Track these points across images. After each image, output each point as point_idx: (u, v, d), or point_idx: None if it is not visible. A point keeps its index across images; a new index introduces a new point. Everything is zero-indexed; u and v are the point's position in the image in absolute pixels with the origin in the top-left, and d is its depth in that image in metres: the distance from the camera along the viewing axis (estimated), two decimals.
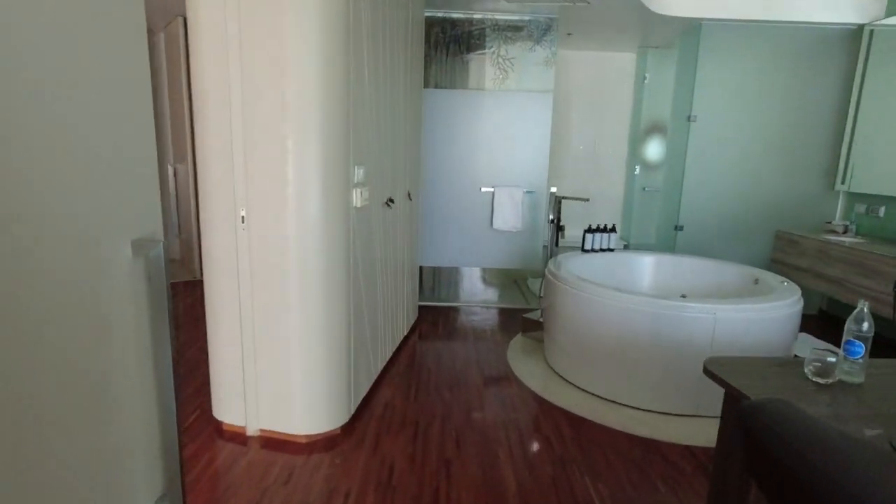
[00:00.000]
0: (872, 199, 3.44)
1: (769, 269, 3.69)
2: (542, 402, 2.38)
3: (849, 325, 1.27)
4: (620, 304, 2.28)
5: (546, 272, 2.86)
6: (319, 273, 1.89)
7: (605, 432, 2.14)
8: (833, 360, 1.26)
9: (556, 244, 3.20)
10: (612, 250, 3.23)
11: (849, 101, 3.56)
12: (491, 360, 2.85)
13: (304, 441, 2.01)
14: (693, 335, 2.17)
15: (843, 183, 3.56)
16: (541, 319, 3.15)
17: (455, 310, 3.73)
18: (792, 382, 1.26)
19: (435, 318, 3.53)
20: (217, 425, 2.09)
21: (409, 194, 2.95)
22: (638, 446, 2.05)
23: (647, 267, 3.23)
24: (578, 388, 2.51)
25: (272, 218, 1.83)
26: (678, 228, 3.77)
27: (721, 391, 1.30)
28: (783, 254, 3.57)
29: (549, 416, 2.26)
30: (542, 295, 3.45)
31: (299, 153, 1.79)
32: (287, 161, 1.78)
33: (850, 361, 1.26)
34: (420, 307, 3.72)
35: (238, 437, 2.03)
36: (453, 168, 3.63)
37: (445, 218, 3.69)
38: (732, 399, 1.28)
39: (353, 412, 2.19)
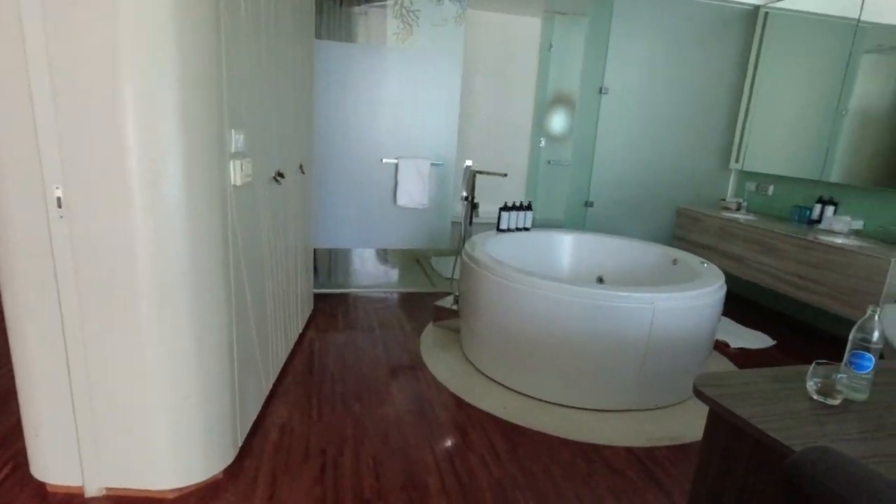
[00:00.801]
0: (763, 178, 3.58)
1: (671, 246, 3.74)
2: (468, 410, 2.08)
3: (854, 334, 1.09)
4: (553, 293, 2.03)
5: (462, 255, 2.54)
6: (183, 279, 1.36)
7: (542, 441, 1.91)
8: (842, 376, 1.08)
9: (470, 223, 2.89)
10: (528, 229, 3.01)
11: (745, 81, 3.64)
12: (403, 358, 2.49)
13: (171, 497, 1.51)
14: (631, 326, 1.99)
15: (737, 161, 3.67)
16: (454, 307, 2.85)
17: (355, 297, 3.30)
18: (798, 406, 1.06)
19: (333, 308, 3.08)
20: (38, 486, 1.51)
21: (301, 167, 2.43)
22: (579, 455, 1.84)
23: (565, 246, 3.06)
24: (505, 387, 2.26)
25: (106, 202, 1.27)
26: (588, 204, 3.67)
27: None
28: (685, 231, 3.62)
29: (479, 427, 1.97)
30: (454, 277, 3.13)
31: (145, 106, 1.23)
32: (126, 118, 1.22)
33: (857, 377, 1.09)
34: (315, 296, 3.24)
35: (73, 501, 1.47)
36: (351, 136, 3.14)
37: (343, 194, 3.21)
38: (732, 429, 1.06)
39: (240, 445, 1.71)
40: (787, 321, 3.31)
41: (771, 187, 3.49)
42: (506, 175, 2.74)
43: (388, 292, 3.42)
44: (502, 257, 2.79)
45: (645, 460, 1.83)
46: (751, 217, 3.42)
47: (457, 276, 3.56)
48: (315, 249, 3.42)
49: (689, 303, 2.03)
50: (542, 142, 4.40)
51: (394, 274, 3.82)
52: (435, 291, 3.49)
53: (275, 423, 1.91)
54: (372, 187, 3.23)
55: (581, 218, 3.70)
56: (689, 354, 2.11)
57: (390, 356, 2.51)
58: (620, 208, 3.72)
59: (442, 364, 2.44)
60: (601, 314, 1.98)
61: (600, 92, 3.51)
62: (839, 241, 2.83)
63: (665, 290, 2.03)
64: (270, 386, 2.08)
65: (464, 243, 2.83)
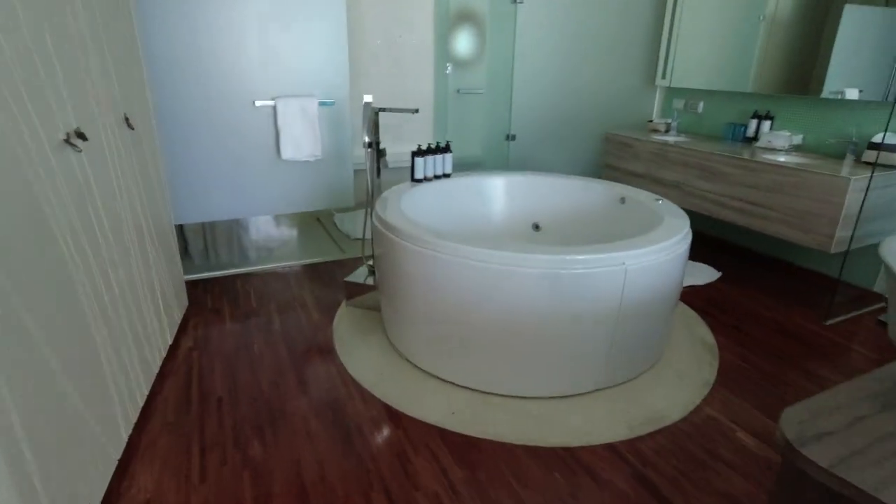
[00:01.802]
0: (691, 95, 3.28)
1: (601, 175, 3.40)
2: (405, 423, 1.62)
3: None
4: (498, 264, 1.56)
5: (373, 219, 1.98)
6: None
7: (505, 455, 1.50)
8: None
9: (378, 174, 2.31)
10: (448, 175, 2.48)
11: None
12: (314, 357, 1.95)
13: None
14: (600, 294, 1.59)
15: (663, 77, 3.34)
16: (368, 282, 2.31)
17: (244, 278, 2.65)
18: None
19: (216, 299, 2.42)
20: None
21: (126, 120, 1.69)
22: (554, 466, 1.45)
23: (496, 193, 2.58)
24: (446, 381, 1.81)
25: None
26: (510, 138, 3.19)
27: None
28: (616, 158, 3.28)
29: (423, 447, 1.51)
30: (364, 237, 2.57)
31: None
32: None
33: None
34: (190, 285, 2.54)
35: None
36: (209, 74, 2.36)
37: (207, 151, 2.46)
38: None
39: None
40: (730, 249, 3.15)
41: (701, 104, 3.21)
42: (416, 111, 2.16)
43: (287, 267, 2.80)
44: (423, 217, 2.27)
45: (632, 459, 1.49)
46: (682, 138, 3.14)
47: (368, 236, 2.99)
48: (180, 227, 2.67)
49: (662, 256, 1.66)
50: (449, 68, 3.80)
51: (291, 242, 3.16)
52: (344, 259, 2.91)
53: (135, 502, 1.33)
54: (246, 139, 2.51)
55: (503, 154, 3.23)
56: (660, 315, 1.77)
57: (297, 357, 1.96)
58: (546, 140, 3.29)
59: (364, 359, 1.94)
60: (562, 284, 1.55)
61: (513, 1, 2.94)
62: (782, 158, 2.61)
63: (636, 244, 1.63)
64: (124, 444, 1.47)
65: (373, 200, 2.26)
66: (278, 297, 2.44)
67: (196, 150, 2.43)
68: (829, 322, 2.29)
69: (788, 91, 2.64)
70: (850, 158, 2.42)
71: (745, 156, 2.53)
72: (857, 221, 2.18)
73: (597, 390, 1.77)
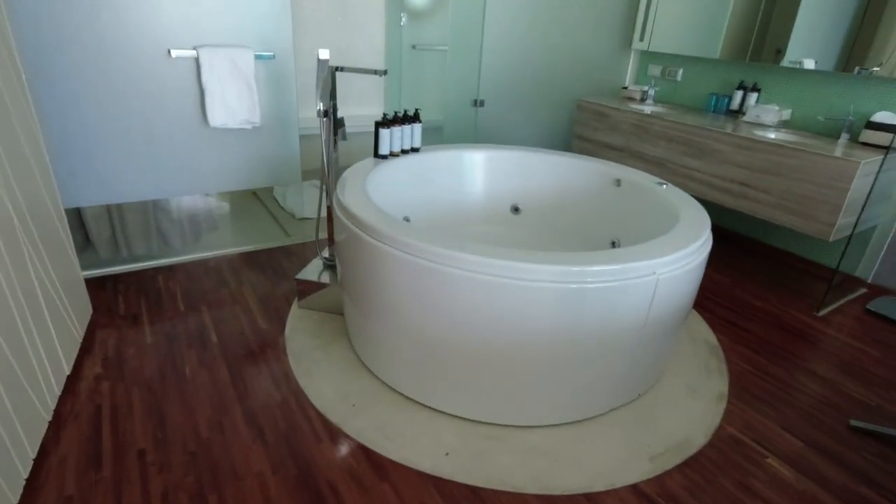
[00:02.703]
0: (670, 60, 3.04)
1: (572, 147, 3.13)
2: (390, 471, 1.30)
3: None
4: (508, 278, 1.24)
5: (335, 208, 1.59)
6: None
7: None
8: None
9: (335, 148, 1.89)
10: (417, 149, 2.10)
11: None
12: (264, 382, 1.57)
13: None
14: (625, 310, 1.31)
15: (641, 39, 3.06)
16: (324, 279, 1.93)
17: (166, 272, 2.17)
18: None
19: (132, 301, 1.95)
20: None
21: None
22: None
23: (473, 170, 2.23)
24: (431, 408, 1.50)
25: None
26: (478, 104, 2.82)
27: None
28: (589, 129, 3.01)
29: None
30: (319, 217, 2.18)
31: None
32: None
33: None
34: (94, 285, 2.04)
35: None
36: (108, 17, 1.80)
37: (108, 116, 1.92)
38: None
39: None
40: (718, 233, 3.00)
41: (680, 71, 2.98)
42: (385, 73, 1.75)
43: (221, 256, 2.33)
44: (392, 201, 1.90)
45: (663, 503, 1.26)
46: (659, 108, 2.91)
47: (312, 213, 2.55)
48: (77, 211, 2.12)
49: (692, 261, 1.41)
50: (403, 18, 3.33)
51: (224, 225, 2.68)
52: (290, 245, 2.48)
53: None
54: (162, 101, 1.98)
55: (470, 122, 2.86)
56: (678, 325, 1.54)
57: (242, 382, 1.57)
58: (515, 107, 2.95)
59: (327, 381, 1.58)
60: (585, 299, 1.26)
61: None
62: (772, 135, 2.44)
63: (664, 248, 1.36)
64: None
65: (330, 180, 1.86)
66: (212, 297, 2.00)
67: (92, 115, 1.88)
68: (822, 313, 2.18)
69: (777, 61, 2.45)
70: (844, 138, 2.28)
71: (732, 130, 2.33)
72: (863, 208, 2.05)
73: (608, 412, 1.53)
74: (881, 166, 1.98)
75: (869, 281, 2.41)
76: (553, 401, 1.42)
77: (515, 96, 2.91)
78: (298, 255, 2.38)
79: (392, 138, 1.99)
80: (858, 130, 2.27)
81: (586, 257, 1.27)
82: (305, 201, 2.91)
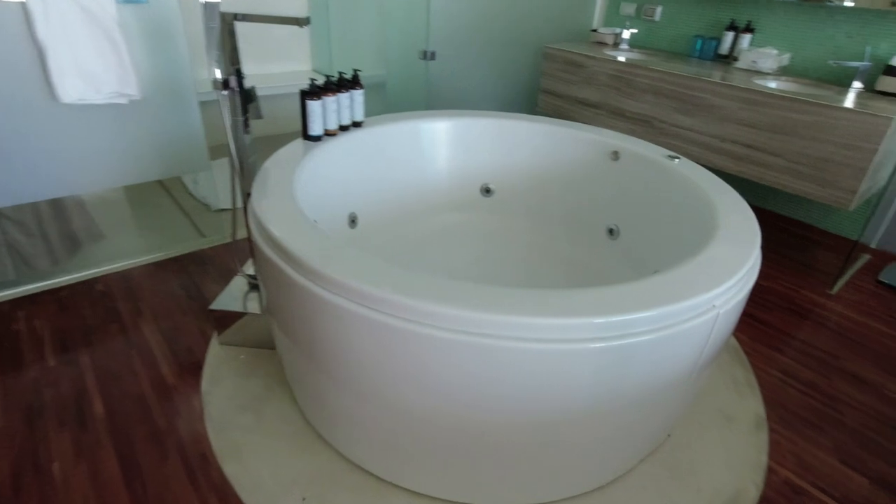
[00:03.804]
0: None
1: (539, 104, 2.70)
2: None
3: None
4: (505, 337, 0.83)
5: (251, 225, 1.11)
6: None
7: None
8: None
9: (247, 128, 1.37)
10: (359, 124, 1.61)
11: None
12: (170, 474, 1.12)
13: None
14: (674, 360, 0.94)
15: None
16: (248, 308, 1.46)
17: (27, 306, 1.62)
18: None
19: None
20: None
21: None
22: None
23: (436, 145, 1.77)
24: (414, 492, 1.11)
25: None
26: (428, 56, 2.31)
27: None
28: (559, 82, 2.57)
29: None
30: (235, 209, 1.68)
31: None
32: None
33: None
34: None
35: None
36: None
37: None
38: None
39: None
40: None
41: (659, 9, 2.57)
42: (308, 21, 1.23)
43: (108, 275, 1.79)
44: (335, 200, 1.43)
45: None
46: (636, 54, 2.51)
47: (228, 202, 2.00)
48: None
49: (750, 278, 1.05)
50: None
51: (115, 229, 2.10)
52: (206, 249, 1.96)
53: None
54: None
55: (420, 78, 2.36)
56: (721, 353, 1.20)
57: (138, 480, 1.11)
58: (476, 58, 2.46)
59: (264, 463, 1.15)
60: (626, 358, 0.88)
61: None
62: (773, 84, 2.10)
63: (726, 272, 0.98)
64: None
65: (243, 178, 1.36)
66: (97, 339, 1.49)
67: None
68: (835, 290, 1.93)
69: None
70: (857, 87, 1.97)
71: (723, 79, 1.97)
72: (894, 173, 1.76)
73: (635, 465, 1.20)
74: None
75: (873, 246, 2.19)
76: (569, 472, 1.06)
77: (472, 46, 2.42)
78: (217, 263, 1.87)
79: (326, 112, 1.48)
80: (874, 77, 1.97)
81: (625, 297, 0.88)
82: (222, 187, 2.35)
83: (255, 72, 2.87)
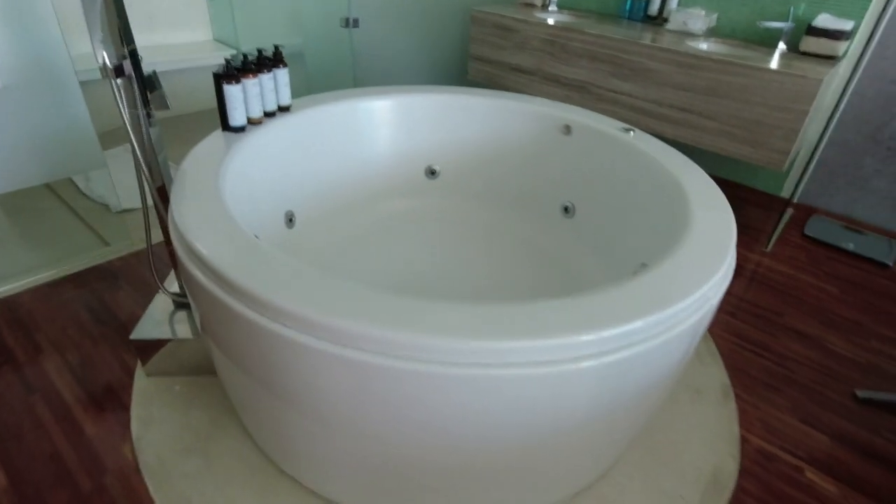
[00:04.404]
0: None
1: (468, 72, 2.56)
2: None
3: None
4: (504, 364, 0.74)
5: (175, 244, 0.92)
6: None
7: None
8: None
9: (150, 119, 1.13)
10: (287, 108, 1.40)
11: None
12: None
13: None
14: (671, 359, 0.90)
15: None
16: (176, 333, 1.26)
17: None
18: None
19: None
20: None
21: None
22: None
23: (375, 126, 1.59)
24: None
25: None
26: (351, 24, 2.09)
27: None
28: (490, 47, 2.44)
29: None
30: (146, 214, 1.45)
31: None
32: None
33: None
34: None
35: None
36: None
37: None
38: None
39: None
40: None
41: None
42: None
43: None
44: (268, 200, 1.25)
45: None
46: (565, 17, 2.44)
47: (135, 200, 1.70)
48: None
49: (732, 260, 1.02)
50: None
51: None
52: (113, 260, 1.68)
53: None
54: None
55: (343, 46, 2.13)
56: None
57: None
58: (401, 25, 2.27)
59: None
60: (625, 367, 0.81)
61: None
62: (704, 46, 2.11)
63: (716, 261, 0.94)
64: None
65: (151, 180, 1.15)
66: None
67: None
68: (769, 248, 2.02)
69: None
70: (782, 47, 2.02)
71: (653, 41, 1.95)
72: (823, 131, 1.82)
73: (618, 458, 1.17)
74: (849, 82, 1.74)
75: (795, 201, 2.31)
76: (559, 479, 1.01)
77: (398, 10, 2.22)
78: (129, 275, 1.62)
79: (248, 98, 1.27)
80: (797, 38, 2.02)
81: (622, 302, 0.81)
82: (120, 182, 2.04)
83: (141, 44, 2.49)
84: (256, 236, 0.94)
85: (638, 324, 0.78)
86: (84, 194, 2.01)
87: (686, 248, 0.96)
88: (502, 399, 0.75)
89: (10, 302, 1.48)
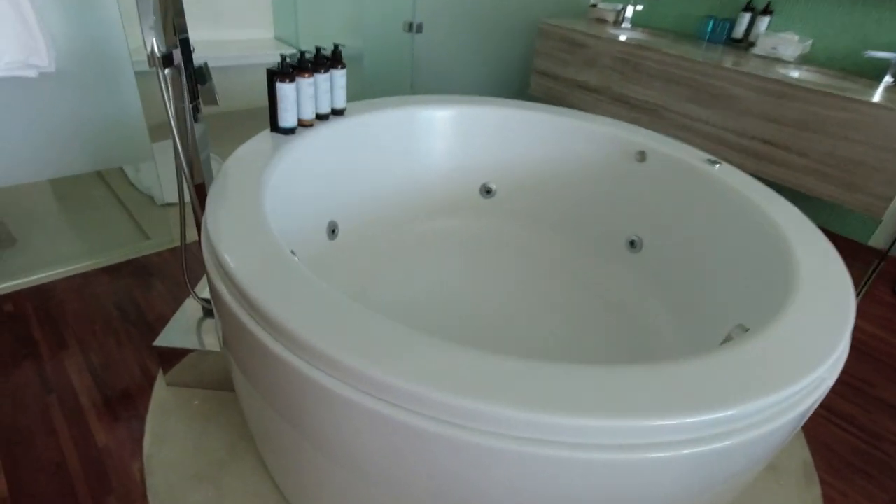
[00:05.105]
0: None
1: (530, 86, 2.44)
2: None
3: None
4: (588, 444, 0.60)
5: (206, 261, 0.83)
6: None
7: None
8: None
9: (197, 116, 1.06)
10: (341, 112, 1.31)
11: None
12: None
13: None
14: (777, 438, 0.74)
15: None
16: (203, 343, 1.18)
17: None
18: None
19: None
20: None
21: None
22: None
23: (432, 137, 1.49)
24: None
25: None
26: (414, 28, 2.01)
27: None
28: (556, 62, 2.31)
29: None
30: (183, 211, 1.39)
31: None
32: None
33: None
34: None
35: None
36: None
37: None
38: None
39: None
40: None
41: None
42: None
43: (18, 292, 1.45)
44: (312, 207, 1.16)
45: None
46: (640, 35, 2.28)
47: (170, 198, 1.64)
48: None
49: (850, 329, 0.85)
50: None
51: (30, 232, 1.74)
52: (150, 255, 1.63)
53: None
54: None
55: (404, 52, 2.05)
56: None
57: None
58: (465, 32, 2.17)
59: None
60: (723, 457, 0.66)
61: None
62: (795, 74, 1.91)
63: (834, 336, 0.78)
64: None
65: (191, 182, 1.07)
66: (0, 379, 1.17)
67: None
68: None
69: None
70: (888, 81, 1.80)
71: (735, 65, 1.77)
72: None
73: None
74: None
75: (889, 251, 2.07)
76: None
77: (462, 18, 2.12)
78: (165, 273, 1.56)
79: (300, 98, 1.18)
80: None
81: (725, 377, 0.66)
82: (165, 175, 2.00)
83: (201, 38, 2.48)
84: (293, 252, 0.84)
85: (741, 408, 0.63)
86: (133, 185, 1.98)
87: (795, 312, 0.79)
88: (577, 483, 0.61)
89: (45, 290, 1.44)
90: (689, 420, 0.60)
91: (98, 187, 1.96)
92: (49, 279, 1.49)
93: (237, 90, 2.49)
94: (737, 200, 1.17)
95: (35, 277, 1.47)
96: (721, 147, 1.91)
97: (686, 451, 0.61)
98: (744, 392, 0.64)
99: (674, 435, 0.61)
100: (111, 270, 1.55)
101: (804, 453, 1.22)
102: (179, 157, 1.01)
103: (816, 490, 1.14)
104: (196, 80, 1.01)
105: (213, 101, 1.06)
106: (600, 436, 0.59)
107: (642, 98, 2.07)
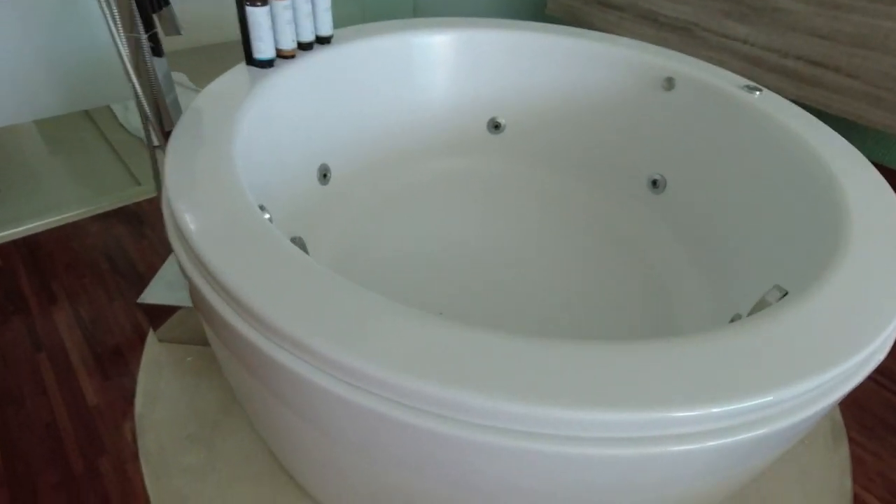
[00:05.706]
0: None
1: (546, 5, 2.20)
2: None
3: None
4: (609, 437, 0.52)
5: (168, 228, 0.73)
6: None
7: None
8: None
9: (156, 50, 0.93)
10: (328, 40, 1.16)
11: None
12: None
13: None
14: (810, 422, 0.65)
15: None
16: (181, 304, 1.11)
17: None
18: None
19: None
20: None
21: None
22: None
23: (432, 66, 1.33)
24: None
25: None
26: None
27: None
28: None
29: None
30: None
31: None
32: None
33: None
34: None
35: None
36: None
37: None
38: None
39: None
40: None
41: None
42: None
43: (10, 238, 1.40)
44: (298, 151, 1.05)
45: None
46: None
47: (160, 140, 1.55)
48: None
49: None
50: None
51: (19, 179, 1.66)
52: (139, 204, 1.55)
53: None
54: None
55: None
56: None
57: None
58: None
59: None
60: (753, 446, 0.57)
61: None
62: None
63: (893, 296, 0.66)
64: None
65: (157, 126, 0.96)
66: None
67: None
68: None
69: None
70: None
71: None
72: None
73: None
74: None
75: None
76: None
77: None
78: (155, 220, 1.49)
79: (277, 24, 1.03)
80: None
81: (740, 354, 0.56)
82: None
83: None
84: (262, 207, 0.74)
85: (778, 393, 0.53)
86: (121, 125, 1.88)
87: (845, 270, 0.68)
88: (589, 479, 0.54)
89: (33, 242, 1.39)
90: (716, 410, 0.51)
91: (86, 129, 1.86)
92: (38, 229, 1.43)
93: (204, 19, 2.28)
94: (779, 135, 1.02)
95: (23, 228, 1.41)
96: (758, 69, 1.70)
97: (711, 443, 0.53)
98: (782, 373, 0.54)
99: (698, 426, 0.52)
100: (100, 218, 1.48)
101: (833, 412, 1.14)
102: (140, 100, 0.89)
103: (844, 452, 1.07)
104: (152, 3, 0.88)
105: (176, 31, 0.93)
106: (611, 429, 0.51)
107: (672, 15, 1.84)
